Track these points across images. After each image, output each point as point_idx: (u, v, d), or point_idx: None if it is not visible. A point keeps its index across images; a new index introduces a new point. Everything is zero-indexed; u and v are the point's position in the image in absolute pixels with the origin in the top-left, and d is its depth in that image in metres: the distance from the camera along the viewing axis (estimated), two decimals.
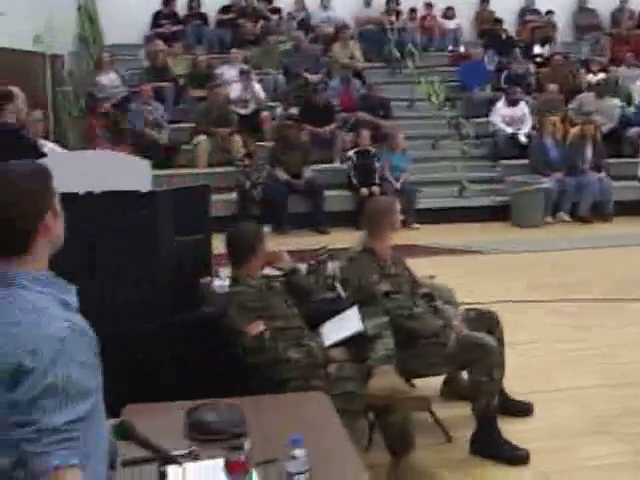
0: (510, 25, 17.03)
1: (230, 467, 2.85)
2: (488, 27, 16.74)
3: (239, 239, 4.69)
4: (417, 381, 5.03)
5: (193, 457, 2.98)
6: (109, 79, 13.26)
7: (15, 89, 9.16)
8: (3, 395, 2.22)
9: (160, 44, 14.40)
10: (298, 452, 2.88)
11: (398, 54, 15.41)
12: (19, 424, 2.19)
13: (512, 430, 4.95)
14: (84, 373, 2.23)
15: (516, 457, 4.76)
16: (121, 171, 4.84)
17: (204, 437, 3.35)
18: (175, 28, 15.63)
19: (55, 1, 14.69)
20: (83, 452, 2.23)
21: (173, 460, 2.74)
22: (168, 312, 4.80)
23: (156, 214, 4.71)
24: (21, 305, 2.25)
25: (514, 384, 5.35)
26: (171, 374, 4.68)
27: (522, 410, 5.33)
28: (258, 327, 4.41)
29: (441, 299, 5.24)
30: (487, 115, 14.04)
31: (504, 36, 16.34)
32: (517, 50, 15.92)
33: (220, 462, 2.90)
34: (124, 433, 2.66)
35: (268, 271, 4.88)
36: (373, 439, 4.75)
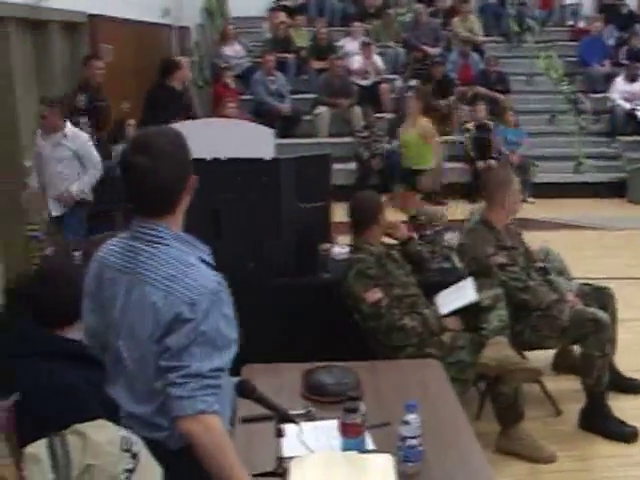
0: (631, 0, 16.53)
1: (345, 429, 2.95)
2: (609, 2, 16.28)
3: (361, 207, 4.78)
4: (529, 353, 5.04)
5: (309, 417, 3.08)
6: (233, 50, 13.48)
7: (182, 59, 9.74)
8: (155, 344, 2.39)
9: (283, 16, 14.54)
10: (411, 417, 2.93)
11: (517, 28, 15.19)
12: (168, 369, 2.35)
13: (621, 407, 4.96)
14: (228, 325, 2.39)
15: (624, 433, 4.76)
16: (246, 139, 5.00)
17: (320, 398, 3.47)
18: (298, 1, 15.74)
19: None
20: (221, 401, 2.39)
21: (290, 419, 2.86)
22: (288, 276, 4.95)
23: (279, 181, 4.85)
24: (170, 261, 2.42)
25: (623, 361, 5.33)
26: (287, 335, 4.83)
27: (632, 387, 5.31)
28: (376, 294, 4.50)
29: (554, 270, 5.24)
30: (605, 91, 13.71)
31: (625, 11, 15.88)
32: (638, 25, 15.45)
33: (335, 423, 3.01)
34: (245, 391, 2.80)
35: (386, 240, 4.97)
36: (483, 408, 4.81)
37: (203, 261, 2.48)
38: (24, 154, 7.31)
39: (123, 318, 2.49)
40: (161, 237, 2.45)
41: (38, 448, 2.15)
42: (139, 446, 2.16)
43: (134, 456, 2.05)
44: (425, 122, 9.48)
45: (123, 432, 2.18)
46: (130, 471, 2.00)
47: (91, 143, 7.14)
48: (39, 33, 8.08)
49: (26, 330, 3.05)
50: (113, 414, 2.62)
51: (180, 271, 2.39)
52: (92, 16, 9.25)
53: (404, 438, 2.93)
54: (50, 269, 3.11)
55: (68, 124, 6.98)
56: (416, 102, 8.46)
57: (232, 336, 2.42)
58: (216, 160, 4.63)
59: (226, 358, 2.39)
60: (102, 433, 2.11)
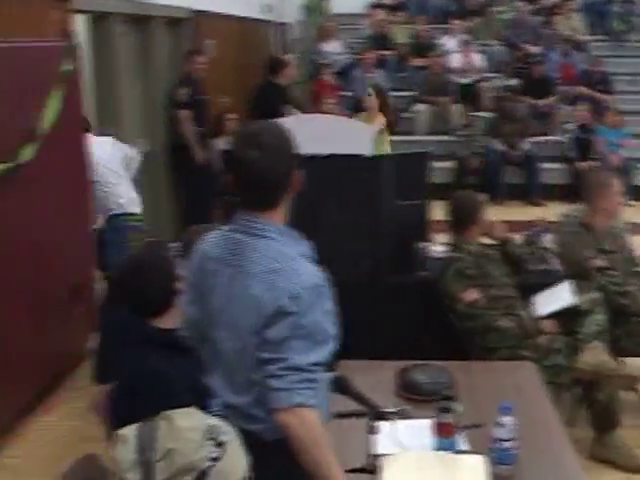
0: None
1: (438, 428, 2.95)
2: None
3: (461, 206, 4.77)
4: (626, 360, 4.93)
5: (403, 415, 3.05)
6: (333, 47, 13.52)
7: (288, 57, 9.93)
8: (256, 336, 2.42)
9: (383, 13, 14.53)
10: (506, 419, 2.91)
11: (622, 27, 14.85)
12: (268, 361, 2.38)
13: None
14: (328, 320, 2.40)
15: None
16: (346, 136, 5.02)
17: (414, 397, 3.48)
18: None
19: None
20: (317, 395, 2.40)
21: (384, 417, 2.87)
22: (385, 272, 4.96)
23: (379, 178, 4.86)
24: (273, 254, 2.44)
25: None
26: (383, 332, 4.83)
27: None
28: (473, 294, 4.48)
29: None
30: None
31: None
32: None
33: (429, 422, 3.01)
34: (340, 387, 2.82)
35: (483, 240, 4.94)
36: (578, 414, 4.73)
37: (304, 256, 2.50)
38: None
39: (224, 309, 2.53)
40: (265, 230, 2.47)
41: (128, 430, 2.20)
42: (228, 436, 2.18)
43: (219, 445, 2.07)
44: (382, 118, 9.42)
45: (211, 420, 2.20)
46: (214, 459, 2.02)
47: None
48: (144, 28, 8.26)
49: (123, 319, 3.14)
50: (205, 402, 2.67)
51: (283, 264, 2.41)
52: (196, 12, 9.40)
53: (498, 440, 2.91)
54: (142, 260, 3.17)
55: None
56: (375, 99, 8.53)
57: (332, 331, 2.43)
58: (316, 156, 4.67)
59: (325, 353, 2.40)
60: (187, 419, 2.15)
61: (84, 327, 5.80)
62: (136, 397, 2.91)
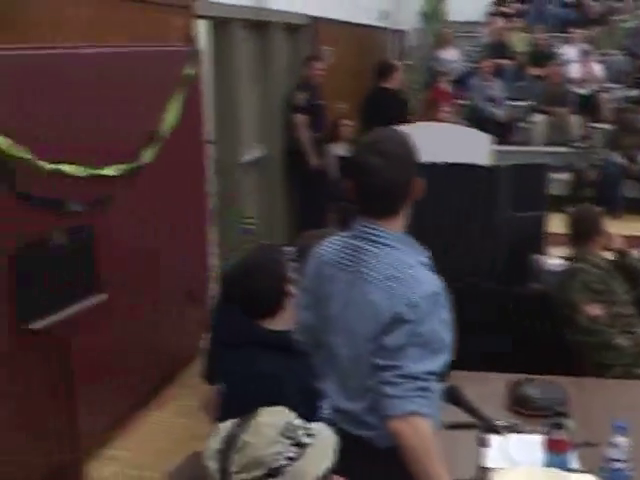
0: None
1: (550, 444, 2.90)
2: None
3: (582, 218, 4.69)
4: None
5: (514, 429, 3.03)
6: (450, 55, 13.45)
7: (396, 62, 9.96)
8: (372, 342, 2.42)
9: (501, 21, 14.39)
10: (620, 439, 2.84)
11: None
12: (383, 368, 2.38)
13: None
14: (444, 329, 2.39)
15: None
16: (463, 144, 4.99)
17: (526, 411, 3.43)
18: (517, 6, 15.53)
19: None
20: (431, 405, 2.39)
21: (495, 430, 2.84)
22: (500, 284, 4.91)
23: (495, 188, 4.82)
24: (393, 262, 2.44)
25: None
26: (495, 343, 4.78)
27: None
28: (596, 310, 4.40)
29: None
30: None
31: None
32: None
33: (540, 438, 2.96)
34: (453, 398, 2.79)
35: (603, 253, 4.84)
36: None
37: (423, 264, 2.49)
38: (243, 149, 7.59)
39: (340, 315, 2.54)
40: (385, 238, 2.47)
41: (225, 424, 2.22)
42: (314, 439, 2.16)
43: (299, 445, 2.06)
44: None
45: (296, 421, 2.21)
46: (290, 459, 2.02)
47: None
48: (263, 34, 8.37)
49: (234, 320, 3.18)
50: (315, 404, 2.69)
51: (402, 272, 2.41)
52: (313, 18, 9.48)
53: (611, 460, 2.85)
54: (253, 262, 3.21)
55: None
56: None
57: (447, 340, 2.42)
58: (433, 164, 4.66)
59: (440, 362, 2.39)
60: (270, 416, 2.15)
61: (197, 327, 5.91)
62: (246, 398, 2.95)
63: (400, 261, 2.44)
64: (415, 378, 2.33)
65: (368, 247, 2.48)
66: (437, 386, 2.46)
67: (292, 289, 3.13)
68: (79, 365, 4.43)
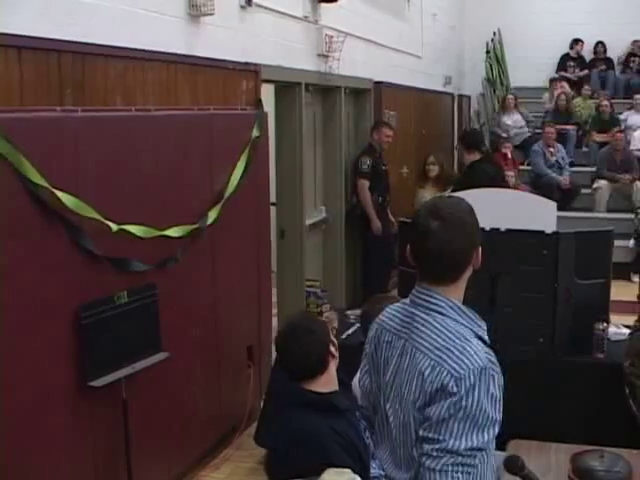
0: None
1: None
2: None
3: None
4: None
5: None
6: (513, 120, 13.48)
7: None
8: (417, 411, 2.39)
9: (565, 87, 14.41)
10: None
11: None
12: (425, 439, 2.33)
13: None
14: (492, 405, 2.31)
15: None
16: (527, 210, 4.97)
17: None
18: (580, 72, 15.56)
19: (466, 46, 15.34)
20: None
21: None
22: (561, 352, 4.85)
23: (558, 255, 4.79)
24: (445, 331, 2.40)
25: None
26: (557, 413, 4.71)
27: None
28: None
29: None
30: None
31: None
32: None
33: None
34: (513, 467, 2.73)
35: None
36: None
37: (478, 337, 2.43)
38: (306, 211, 7.65)
39: (393, 382, 2.51)
40: (439, 306, 2.43)
41: None
42: None
43: None
44: None
45: None
46: None
47: None
48: (327, 97, 8.51)
49: (282, 381, 3.24)
50: (362, 464, 2.68)
51: (452, 343, 2.37)
52: (378, 83, 9.58)
53: None
54: (297, 325, 3.28)
55: None
56: None
57: (495, 417, 2.34)
58: (495, 230, 4.65)
59: (486, 438, 2.31)
60: (334, 476, 2.14)
61: (256, 388, 5.92)
62: (294, 459, 2.97)
63: (452, 331, 2.40)
64: (456, 454, 2.28)
65: (422, 314, 2.45)
66: (487, 459, 2.41)
67: (334, 352, 3.20)
68: (137, 423, 4.47)
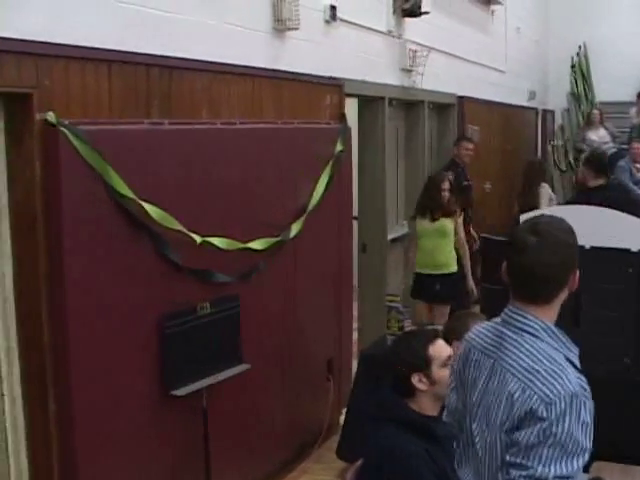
0: None
1: None
2: None
3: None
4: None
5: None
6: (598, 135, 13.26)
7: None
8: (505, 434, 2.34)
9: None
10: None
11: None
12: (513, 465, 2.27)
13: None
14: (583, 432, 2.24)
15: None
16: (614, 228, 4.89)
17: None
18: None
19: (551, 60, 15.16)
20: None
21: None
22: None
23: None
24: (536, 354, 2.34)
25: None
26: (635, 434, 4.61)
27: None
28: None
29: None
30: None
31: None
32: None
33: None
34: None
35: None
36: None
37: (569, 361, 2.37)
38: (388, 225, 7.64)
39: (480, 401, 2.47)
40: (531, 327, 2.37)
41: None
42: None
43: None
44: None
45: None
46: None
47: None
48: (410, 112, 8.50)
49: (377, 397, 3.22)
50: None
51: (543, 366, 2.31)
52: (461, 97, 9.53)
53: None
54: (395, 343, 3.29)
55: None
56: None
57: (586, 445, 2.26)
58: (580, 247, 4.56)
59: (575, 466, 2.24)
60: None
61: (336, 402, 5.92)
62: (378, 473, 2.95)
63: (543, 354, 2.34)
64: None
65: (512, 335, 2.40)
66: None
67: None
68: (216, 432, 4.50)
